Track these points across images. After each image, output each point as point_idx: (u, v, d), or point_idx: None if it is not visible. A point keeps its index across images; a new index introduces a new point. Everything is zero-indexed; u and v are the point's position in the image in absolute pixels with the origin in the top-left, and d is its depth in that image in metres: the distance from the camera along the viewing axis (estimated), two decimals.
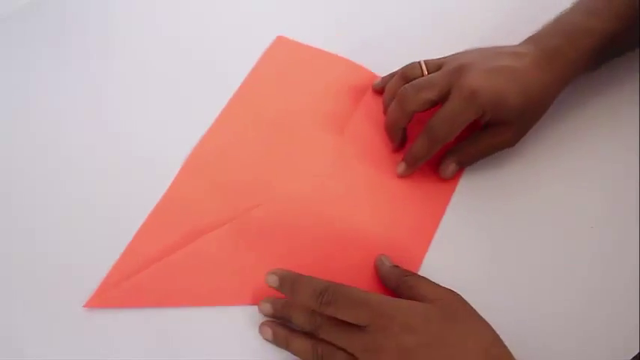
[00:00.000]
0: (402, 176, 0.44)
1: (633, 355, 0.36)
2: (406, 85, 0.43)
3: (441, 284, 0.36)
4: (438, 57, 0.45)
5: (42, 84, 0.50)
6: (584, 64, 0.43)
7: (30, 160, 0.45)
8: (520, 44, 0.44)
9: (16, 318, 0.38)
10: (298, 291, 0.36)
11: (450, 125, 0.41)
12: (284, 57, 0.51)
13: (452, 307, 0.35)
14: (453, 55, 0.45)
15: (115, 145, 0.46)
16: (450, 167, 0.43)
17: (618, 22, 0.43)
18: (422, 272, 0.40)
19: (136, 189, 0.44)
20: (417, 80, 0.43)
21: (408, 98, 0.42)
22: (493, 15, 0.53)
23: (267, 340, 0.37)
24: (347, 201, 0.42)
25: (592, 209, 0.43)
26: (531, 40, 0.44)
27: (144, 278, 0.39)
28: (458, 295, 0.35)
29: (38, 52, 0.52)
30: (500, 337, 0.34)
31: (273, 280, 0.37)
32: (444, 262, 0.41)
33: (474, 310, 0.35)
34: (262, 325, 0.37)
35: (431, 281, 0.37)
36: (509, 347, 0.34)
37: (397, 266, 0.39)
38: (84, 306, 0.38)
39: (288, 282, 0.36)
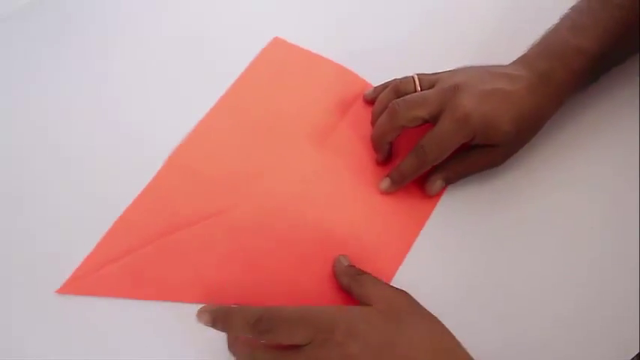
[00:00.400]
0: (384, 192, 0.43)
1: (633, 356, 0.36)
2: (398, 100, 0.42)
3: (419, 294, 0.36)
4: (436, 67, 0.45)
5: (42, 83, 0.50)
6: (575, 84, 0.43)
7: (28, 158, 0.46)
8: (511, 65, 0.44)
9: None
10: (232, 325, 0.34)
11: (440, 147, 0.41)
12: (278, 58, 0.51)
13: (395, 306, 0.34)
14: (447, 72, 0.44)
15: (113, 143, 0.46)
16: (437, 184, 0.43)
17: (607, 39, 0.42)
18: (394, 282, 0.40)
19: (129, 187, 0.44)
20: (410, 96, 0.42)
21: (399, 113, 0.42)
22: (494, 23, 0.53)
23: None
24: (326, 207, 0.42)
25: (589, 215, 0.43)
26: (522, 61, 0.44)
27: (117, 269, 0.39)
28: (403, 293, 0.35)
29: (38, 52, 0.52)
30: (500, 337, 0.34)
31: (205, 318, 0.34)
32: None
33: (420, 307, 0.35)
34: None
35: (378, 281, 0.37)
36: (509, 348, 0.34)
37: (353, 266, 0.39)
38: (56, 291, 0.39)
39: (221, 317, 0.34)
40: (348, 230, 0.42)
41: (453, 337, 0.33)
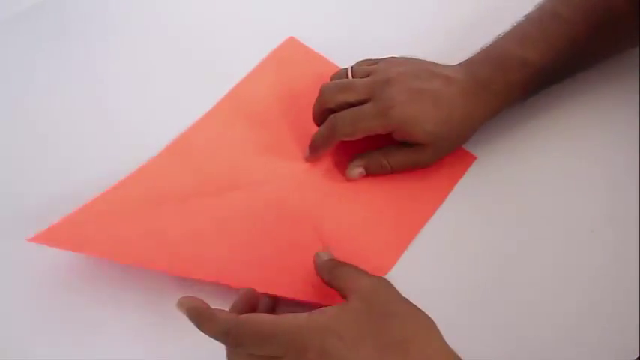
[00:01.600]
0: (307, 161, 0.45)
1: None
2: (329, 83, 0.44)
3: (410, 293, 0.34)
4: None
5: (43, 85, 0.51)
6: (513, 96, 0.43)
7: (27, 159, 0.46)
8: (454, 67, 0.44)
9: None
10: (205, 329, 0.32)
11: (353, 124, 0.42)
12: (289, 58, 0.51)
13: (372, 300, 0.32)
14: (387, 60, 0.45)
15: (116, 142, 0.47)
16: (355, 170, 0.43)
17: (554, 53, 0.43)
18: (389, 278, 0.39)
19: None
20: (340, 80, 0.44)
21: (326, 96, 0.43)
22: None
23: None
24: (323, 202, 0.43)
25: (590, 216, 0.43)
26: (465, 65, 0.44)
27: (95, 226, 0.40)
28: (382, 283, 0.34)
29: (37, 55, 0.53)
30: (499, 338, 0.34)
31: (182, 311, 0.33)
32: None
33: (399, 297, 0.33)
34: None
35: (356, 270, 0.35)
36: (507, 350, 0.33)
37: (332, 259, 0.37)
38: (27, 239, 0.38)
39: (194, 316, 0.32)
40: (346, 224, 0.42)
41: (435, 329, 0.32)
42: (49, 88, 0.50)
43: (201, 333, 0.32)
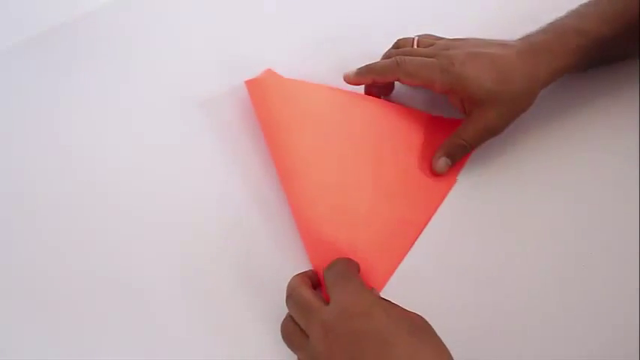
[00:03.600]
0: (346, 79, 0.47)
1: None
2: (394, 50, 0.48)
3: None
4: None
5: (46, 114, 0.50)
6: (570, 61, 0.43)
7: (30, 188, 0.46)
8: (511, 40, 0.45)
9: None
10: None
11: (415, 66, 0.44)
12: (266, 98, 0.47)
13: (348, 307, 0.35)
14: (446, 38, 0.47)
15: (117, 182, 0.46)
16: (440, 161, 0.44)
17: (606, 26, 0.43)
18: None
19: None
20: (405, 49, 0.47)
21: (398, 59, 0.45)
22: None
23: None
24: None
25: (590, 213, 0.43)
26: (521, 38, 0.45)
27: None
28: (362, 298, 0.35)
29: (42, 84, 0.52)
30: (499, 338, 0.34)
31: None
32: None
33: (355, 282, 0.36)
34: None
35: (339, 280, 0.37)
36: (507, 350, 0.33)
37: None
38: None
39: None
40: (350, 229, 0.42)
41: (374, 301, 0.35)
42: (52, 117, 0.50)
43: None
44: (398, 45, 0.48)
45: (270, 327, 0.38)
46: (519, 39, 0.45)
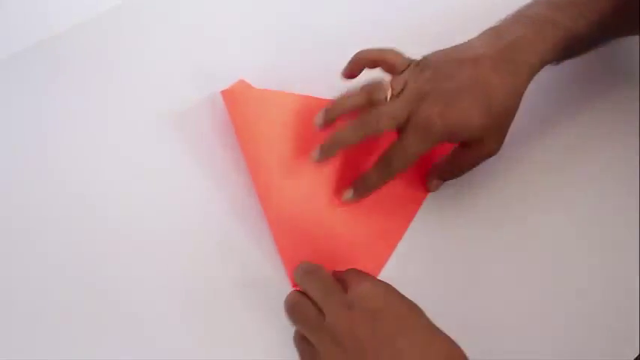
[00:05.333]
0: (346, 203, 0.44)
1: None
2: (372, 111, 0.41)
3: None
4: None
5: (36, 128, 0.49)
6: (549, 55, 0.42)
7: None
8: (481, 37, 0.43)
9: None
10: None
11: (404, 158, 0.41)
12: (243, 110, 0.47)
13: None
14: (414, 68, 0.43)
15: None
16: (434, 182, 0.45)
17: (582, 20, 0.42)
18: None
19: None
20: (380, 109, 0.41)
21: (371, 124, 0.41)
22: None
23: None
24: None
25: (590, 213, 0.43)
26: (492, 33, 0.43)
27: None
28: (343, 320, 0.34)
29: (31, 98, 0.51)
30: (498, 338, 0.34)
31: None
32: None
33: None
34: None
35: (322, 296, 0.36)
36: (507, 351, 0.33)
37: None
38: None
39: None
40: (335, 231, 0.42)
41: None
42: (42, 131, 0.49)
43: None
44: (368, 92, 0.42)
45: (273, 337, 0.38)
46: (489, 36, 0.43)
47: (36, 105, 0.51)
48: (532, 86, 0.42)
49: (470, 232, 0.43)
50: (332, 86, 0.45)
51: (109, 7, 0.55)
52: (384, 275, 0.41)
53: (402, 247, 0.43)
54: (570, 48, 0.43)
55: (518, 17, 0.43)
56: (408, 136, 0.40)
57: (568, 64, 0.45)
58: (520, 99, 0.42)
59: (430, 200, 0.45)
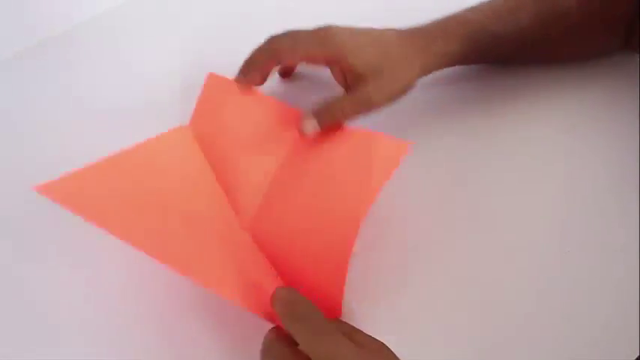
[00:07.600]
0: (236, 81, 0.45)
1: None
2: (279, 37, 0.43)
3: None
4: None
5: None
6: (452, 48, 0.44)
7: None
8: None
9: None
10: None
11: (293, 43, 0.42)
12: (217, 97, 0.47)
13: None
14: None
15: None
16: (307, 122, 0.42)
17: (495, 20, 0.44)
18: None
19: None
20: (288, 35, 0.43)
21: (281, 42, 0.43)
22: None
23: None
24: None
25: (590, 213, 0.42)
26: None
27: (103, 190, 0.38)
28: None
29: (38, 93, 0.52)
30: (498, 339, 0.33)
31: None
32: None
33: None
34: None
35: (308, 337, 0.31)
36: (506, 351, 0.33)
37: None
38: (32, 188, 0.35)
39: None
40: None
41: None
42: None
43: None
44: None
45: None
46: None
47: (36, 105, 0.51)
48: (530, 88, 0.42)
49: (469, 234, 0.42)
50: (332, 85, 0.45)
51: (109, 7, 0.55)
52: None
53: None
54: (489, 48, 0.45)
55: (435, 19, 0.46)
56: (304, 32, 0.43)
57: (568, 65, 0.46)
58: (414, 74, 0.44)
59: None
